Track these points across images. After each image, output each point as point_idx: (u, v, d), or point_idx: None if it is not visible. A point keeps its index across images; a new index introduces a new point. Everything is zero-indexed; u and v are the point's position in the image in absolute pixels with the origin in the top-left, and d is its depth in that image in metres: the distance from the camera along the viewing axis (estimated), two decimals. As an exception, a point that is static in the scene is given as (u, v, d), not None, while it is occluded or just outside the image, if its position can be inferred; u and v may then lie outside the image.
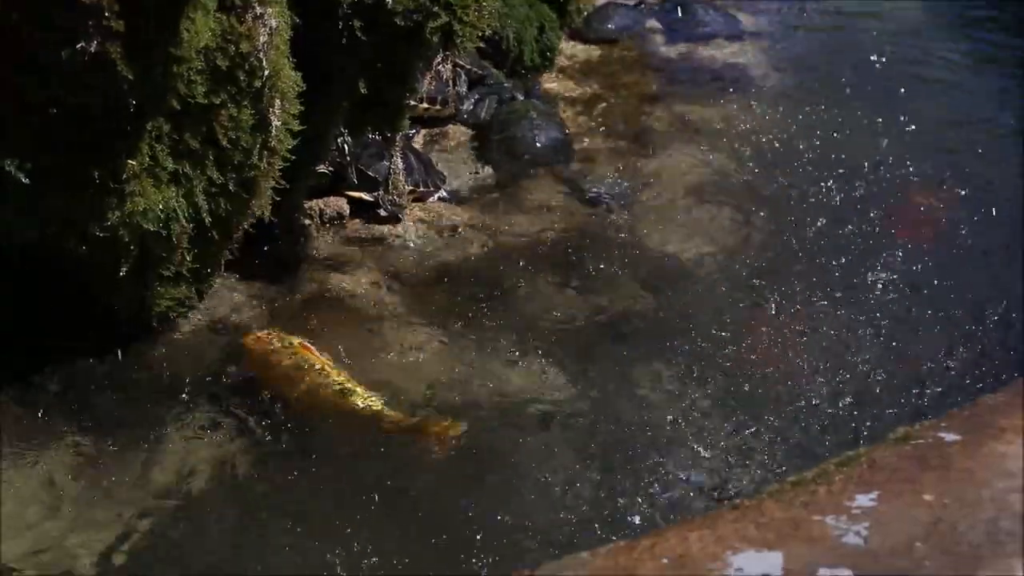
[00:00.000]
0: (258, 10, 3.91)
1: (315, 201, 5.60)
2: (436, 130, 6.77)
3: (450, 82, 6.61)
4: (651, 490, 4.14)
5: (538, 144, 6.68)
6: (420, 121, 6.56)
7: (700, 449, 4.34)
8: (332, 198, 5.69)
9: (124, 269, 4.20)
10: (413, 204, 5.90)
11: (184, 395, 4.43)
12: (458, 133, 6.83)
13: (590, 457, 4.29)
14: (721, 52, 8.56)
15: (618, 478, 4.18)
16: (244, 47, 3.90)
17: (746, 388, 4.67)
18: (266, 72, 4.01)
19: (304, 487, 4.06)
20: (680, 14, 9.09)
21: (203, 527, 3.90)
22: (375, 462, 4.18)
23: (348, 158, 5.62)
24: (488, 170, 6.57)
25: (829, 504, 2.33)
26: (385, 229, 5.76)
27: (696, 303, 5.32)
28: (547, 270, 5.57)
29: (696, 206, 6.27)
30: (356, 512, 3.95)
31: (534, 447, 4.35)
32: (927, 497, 2.32)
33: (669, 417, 4.52)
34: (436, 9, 4.45)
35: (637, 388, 4.72)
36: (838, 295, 5.30)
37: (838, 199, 6.13)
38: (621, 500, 4.08)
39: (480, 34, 4.75)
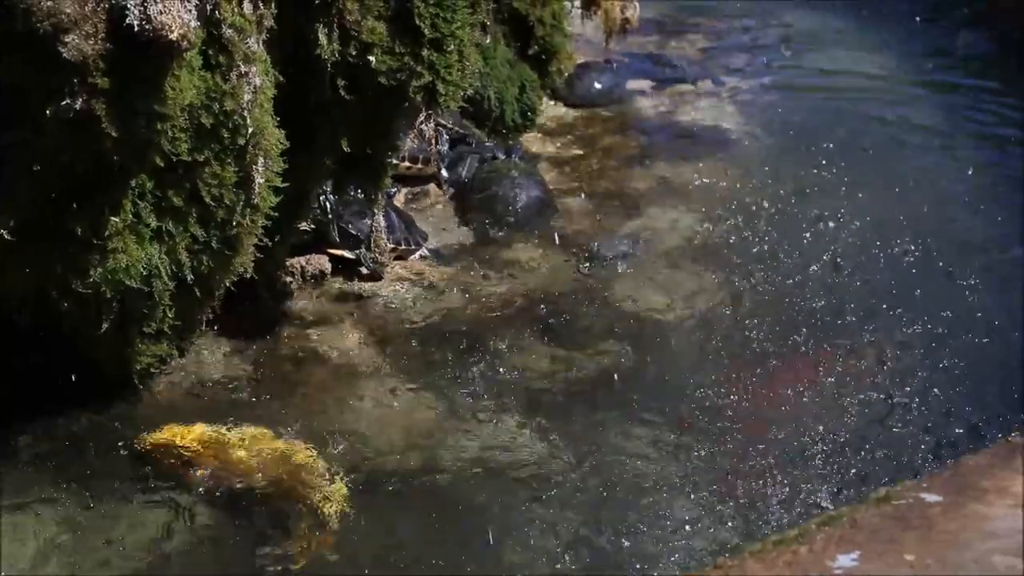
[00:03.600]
0: (242, 68, 3.93)
1: (297, 258, 5.61)
2: (418, 188, 6.80)
3: (432, 141, 6.64)
4: (627, 550, 4.13)
5: (519, 203, 6.70)
6: (402, 180, 6.58)
7: (678, 508, 4.34)
8: (314, 255, 5.70)
9: (105, 325, 4.19)
10: (394, 262, 5.92)
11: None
12: (439, 192, 6.85)
13: (565, 515, 4.29)
14: (700, 112, 8.61)
15: (592, 536, 4.18)
16: (228, 105, 3.92)
17: (726, 446, 4.66)
18: (250, 130, 4.02)
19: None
20: (655, 70, 9.18)
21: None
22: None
23: (330, 216, 5.64)
24: (469, 229, 6.59)
25: (811, 564, 2.33)
26: (366, 286, 5.78)
27: (674, 361, 5.34)
28: (526, 328, 5.58)
29: (675, 266, 6.29)
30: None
31: (509, 504, 4.35)
32: (909, 558, 2.32)
33: (646, 475, 4.53)
34: (419, 68, 4.47)
35: (613, 446, 4.71)
36: (816, 353, 5.31)
37: (814, 259, 6.14)
38: (595, 559, 4.07)
39: (463, 93, 4.76)
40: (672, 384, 5.12)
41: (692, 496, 4.39)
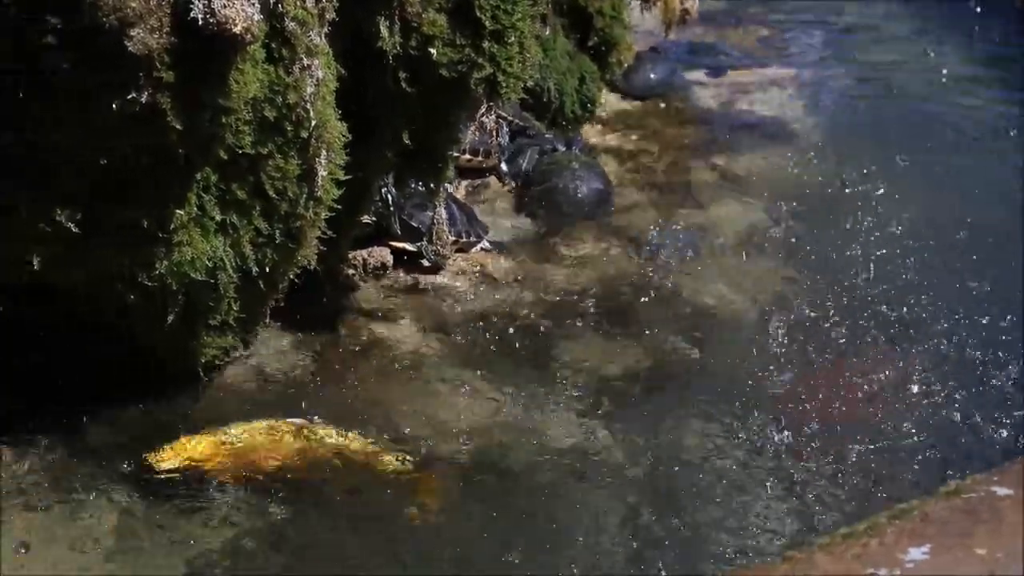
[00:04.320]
0: (305, 61, 3.93)
1: (359, 251, 5.62)
2: (478, 181, 6.81)
3: (493, 133, 6.64)
4: (693, 542, 4.11)
5: (579, 195, 6.70)
6: (462, 172, 6.59)
7: (743, 501, 4.31)
8: (375, 248, 5.71)
9: (171, 318, 4.21)
10: (455, 254, 5.92)
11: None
12: (500, 184, 6.87)
13: (629, 507, 4.26)
14: (759, 103, 8.59)
15: (657, 530, 4.15)
16: (291, 98, 3.93)
17: (790, 439, 4.62)
18: (313, 123, 4.04)
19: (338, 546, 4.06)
20: (713, 61, 9.16)
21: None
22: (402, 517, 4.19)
23: (392, 208, 5.65)
24: (529, 221, 6.61)
25: (882, 557, 2.31)
26: (428, 278, 5.79)
27: (738, 355, 5.29)
28: (588, 321, 5.58)
29: (737, 258, 6.26)
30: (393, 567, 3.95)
31: (573, 497, 4.34)
32: (980, 551, 2.29)
33: (710, 468, 4.50)
34: (480, 60, 4.47)
35: (677, 440, 4.68)
36: (884, 348, 5.26)
37: (878, 254, 6.08)
38: (661, 552, 4.04)
39: (523, 85, 4.76)
40: (735, 377, 5.08)
41: (757, 491, 4.36)
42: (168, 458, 4.20)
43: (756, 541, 4.11)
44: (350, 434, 4.44)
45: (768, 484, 4.40)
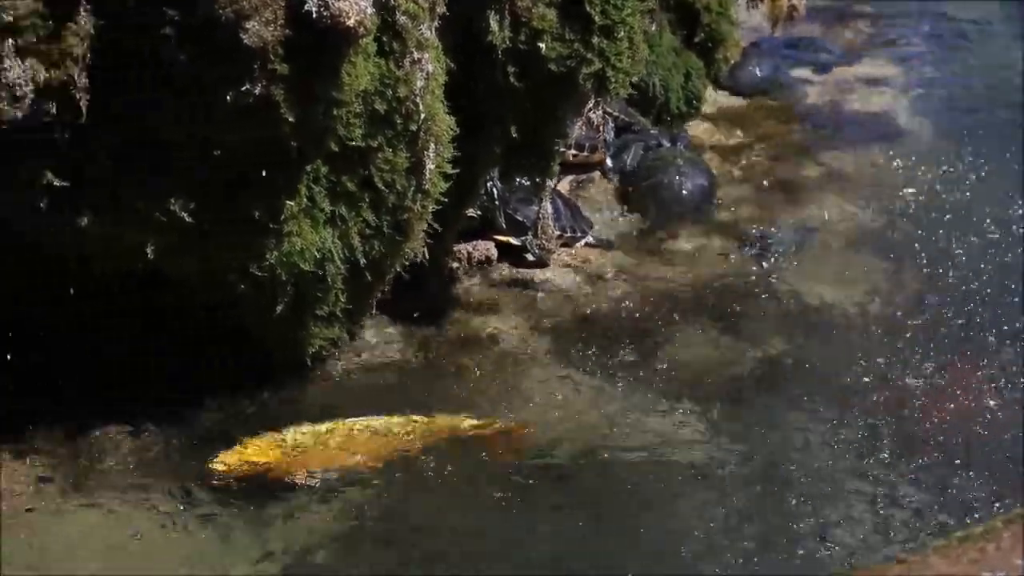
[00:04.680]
0: (415, 55, 3.96)
1: (464, 244, 5.64)
2: (583, 176, 6.79)
3: (600, 129, 6.63)
4: (802, 542, 4.05)
5: (684, 191, 6.67)
6: (567, 167, 6.58)
7: (851, 502, 4.24)
8: (480, 242, 5.74)
9: (280, 308, 4.26)
10: (560, 249, 5.92)
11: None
12: (604, 180, 6.85)
13: (735, 506, 4.22)
14: (865, 100, 8.50)
15: (766, 529, 4.10)
16: (401, 91, 3.95)
17: (900, 439, 4.55)
18: (422, 116, 4.06)
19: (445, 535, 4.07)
20: (820, 58, 9.08)
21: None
22: (512, 509, 4.17)
23: (497, 202, 5.67)
24: (634, 216, 6.58)
25: (999, 561, 2.27)
26: (532, 273, 5.78)
27: (845, 353, 5.21)
28: (693, 317, 5.53)
29: (844, 256, 6.19)
30: (501, 560, 3.94)
31: (674, 494, 4.30)
32: (1101, 557, 2.25)
33: (816, 468, 4.43)
34: (590, 55, 4.47)
35: (782, 440, 4.62)
36: (993, 347, 5.17)
37: (989, 255, 5.98)
38: (769, 552, 3.99)
39: (631, 81, 4.75)
40: (843, 378, 5.01)
41: (865, 492, 4.29)
42: (229, 461, 4.19)
43: (864, 543, 4.04)
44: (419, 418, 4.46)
45: (877, 486, 4.32)
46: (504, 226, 5.74)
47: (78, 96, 3.40)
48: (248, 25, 3.35)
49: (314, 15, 3.41)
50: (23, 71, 3.24)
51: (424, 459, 4.32)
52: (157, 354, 4.53)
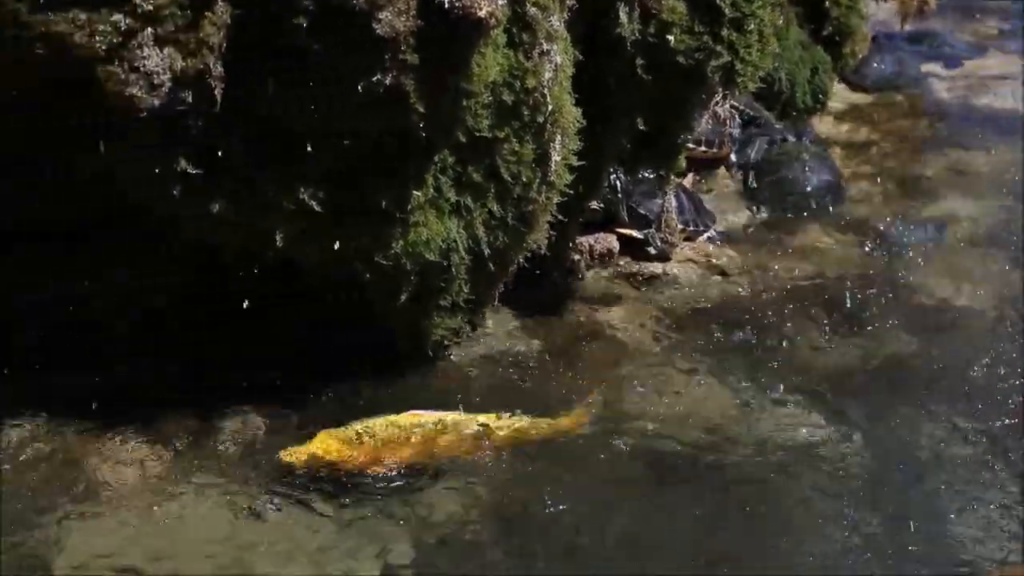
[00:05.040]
0: (544, 46, 3.96)
1: (586, 237, 5.63)
2: (706, 169, 6.75)
3: (726, 122, 6.58)
4: (914, 544, 3.98)
5: (809, 186, 6.63)
6: (695, 163, 6.54)
7: (975, 505, 4.15)
8: (602, 234, 5.72)
9: (404, 297, 4.29)
10: (682, 243, 5.89)
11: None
12: (728, 174, 6.80)
13: (849, 505, 4.15)
14: (995, 96, 8.36)
15: (884, 529, 4.03)
16: (530, 83, 3.96)
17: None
18: (549, 107, 4.06)
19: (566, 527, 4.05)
20: (947, 53, 8.93)
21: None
22: (634, 500, 4.15)
23: (620, 195, 5.65)
24: (757, 211, 6.54)
25: None
26: (653, 267, 5.76)
27: (970, 354, 5.12)
28: (816, 313, 5.48)
29: (971, 254, 6.11)
30: (625, 548, 3.93)
31: (791, 490, 4.25)
32: None
33: (939, 469, 4.36)
34: (718, 48, 4.45)
35: (903, 439, 4.55)
36: None
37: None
38: (879, 550, 3.93)
39: (760, 74, 4.71)
40: (966, 377, 4.92)
41: (990, 495, 4.20)
42: (297, 454, 4.14)
43: (989, 547, 3.96)
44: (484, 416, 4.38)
45: (1004, 488, 4.23)
46: (627, 219, 5.73)
47: (213, 85, 3.45)
48: (381, 15, 3.38)
49: (446, 5, 3.43)
50: (161, 60, 3.30)
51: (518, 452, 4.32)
52: (283, 341, 4.59)
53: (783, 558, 3.87)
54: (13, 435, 4.21)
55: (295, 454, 4.12)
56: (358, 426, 4.21)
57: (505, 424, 4.33)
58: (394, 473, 4.11)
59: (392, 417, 4.25)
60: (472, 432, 4.28)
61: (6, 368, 4.22)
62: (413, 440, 4.21)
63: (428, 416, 4.28)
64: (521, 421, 4.35)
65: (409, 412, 4.28)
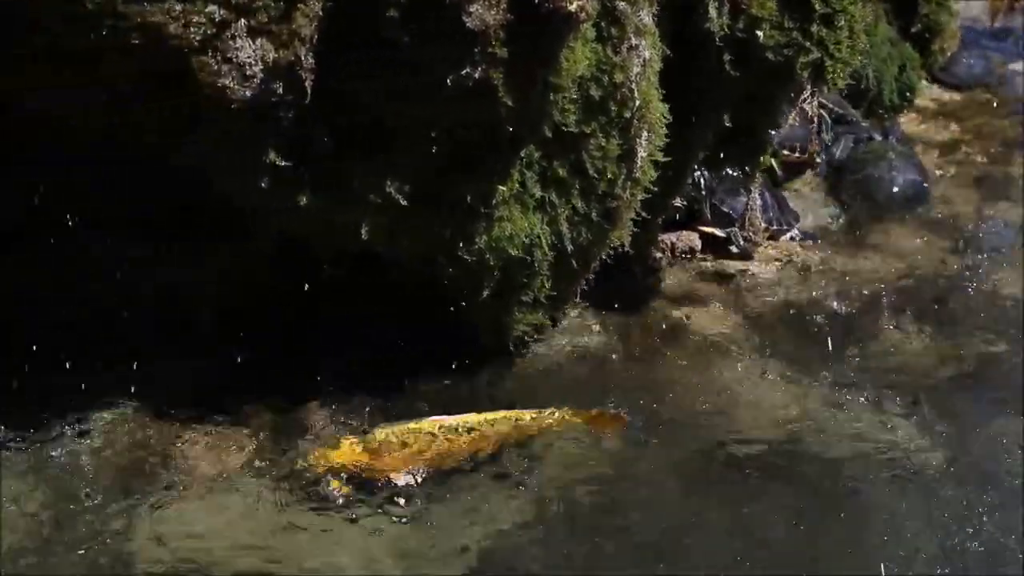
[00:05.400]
0: (633, 41, 3.93)
1: (668, 234, 5.61)
2: (793, 172, 6.70)
3: (815, 121, 6.53)
4: (1000, 554, 3.91)
5: (895, 186, 6.56)
6: (782, 166, 6.49)
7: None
8: (684, 232, 5.71)
9: (486, 292, 4.28)
10: (766, 242, 5.84)
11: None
12: (812, 171, 6.74)
13: (934, 508, 4.09)
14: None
15: (964, 535, 3.97)
16: (618, 77, 3.93)
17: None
18: (637, 103, 4.03)
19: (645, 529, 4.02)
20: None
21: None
22: (715, 501, 4.11)
23: (704, 193, 5.62)
24: (842, 210, 6.49)
25: None
26: (736, 265, 5.74)
27: (1060, 358, 5.05)
28: (901, 315, 5.43)
29: (1061, 257, 6.00)
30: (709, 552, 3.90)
31: (874, 492, 4.20)
32: None
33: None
34: (808, 44, 4.40)
35: (990, 443, 4.48)
36: None
37: None
38: (963, 560, 3.87)
39: (849, 71, 4.65)
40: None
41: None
42: (315, 461, 4.10)
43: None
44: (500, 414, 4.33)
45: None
46: (709, 217, 5.71)
47: (304, 76, 3.46)
48: (472, 8, 3.36)
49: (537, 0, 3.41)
50: (253, 51, 3.31)
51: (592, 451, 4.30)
52: (365, 335, 4.60)
53: (870, 561, 3.81)
54: (106, 416, 4.28)
55: (320, 460, 4.09)
56: (380, 434, 4.16)
57: (537, 420, 4.31)
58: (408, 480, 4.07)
59: (414, 424, 4.20)
60: (501, 430, 4.25)
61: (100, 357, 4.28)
62: (437, 444, 4.17)
63: (451, 421, 4.23)
64: (552, 416, 4.32)
65: (431, 419, 4.24)
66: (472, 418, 4.24)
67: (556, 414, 4.33)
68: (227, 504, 3.93)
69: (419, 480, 4.03)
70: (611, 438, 4.34)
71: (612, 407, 4.48)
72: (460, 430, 4.20)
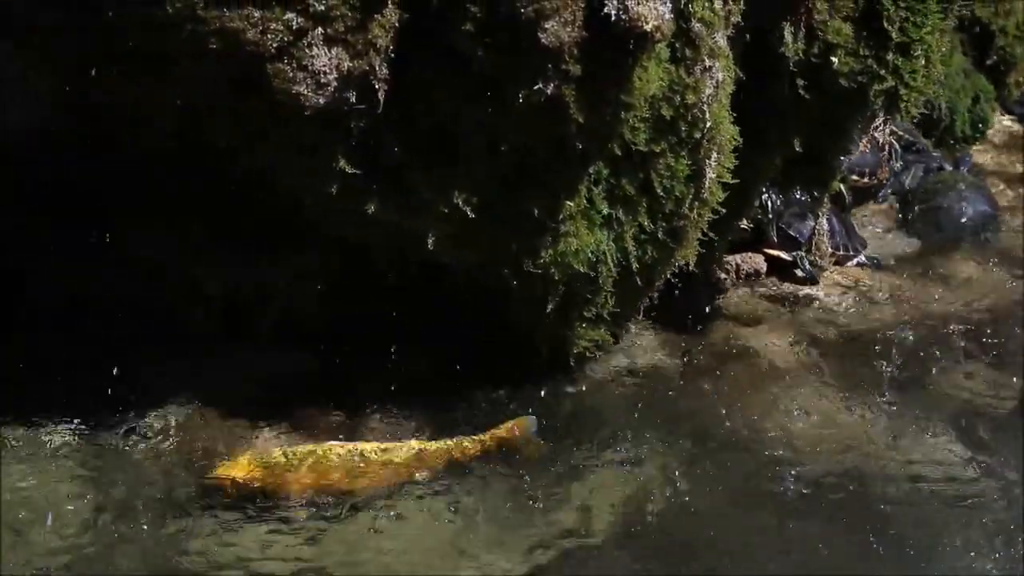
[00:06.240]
0: (707, 63, 3.94)
1: (733, 256, 5.60)
2: (862, 197, 6.66)
3: (886, 148, 6.49)
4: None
5: (964, 217, 6.51)
6: (851, 191, 6.45)
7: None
8: (750, 254, 5.69)
9: (550, 306, 4.29)
10: (831, 267, 5.82)
11: (597, 435, 4.46)
12: (881, 198, 6.70)
13: (1000, 543, 4.04)
14: None
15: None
16: (690, 98, 3.94)
17: None
18: (707, 124, 4.04)
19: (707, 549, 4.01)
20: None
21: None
22: (775, 523, 4.09)
23: (771, 216, 5.60)
24: (910, 239, 6.46)
25: None
26: (801, 290, 5.71)
27: None
28: (965, 344, 5.38)
29: None
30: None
31: (936, 522, 4.15)
32: None
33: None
34: (883, 72, 4.38)
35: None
36: None
37: None
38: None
39: (924, 100, 4.63)
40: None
41: None
42: (218, 476, 4.06)
43: None
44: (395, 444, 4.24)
45: None
46: (776, 240, 5.68)
47: (377, 86, 3.50)
48: (547, 25, 3.38)
49: (613, 18, 3.42)
50: (329, 59, 3.35)
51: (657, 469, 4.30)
52: (425, 345, 4.62)
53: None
54: (167, 416, 4.33)
55: (219, 475, 4.06)
56: (277, 453, 4.11)
57: (435, 447, 4.22)
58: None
59: (313, 446, 4.13)
60: (401, 459, 4.16)
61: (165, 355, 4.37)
62: (337, 469, 4.09)
63: (350, 446, 4.15)
64: (449, 443, 4.23)
65: (331, 442, 4.16)
66: (370, 446, 4.16)
67: (463, 442, 4.24)
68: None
69: (309, 500, 3.99)
70: (527, 455, 4.28)
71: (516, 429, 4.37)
72: (358, 457, 4.12)
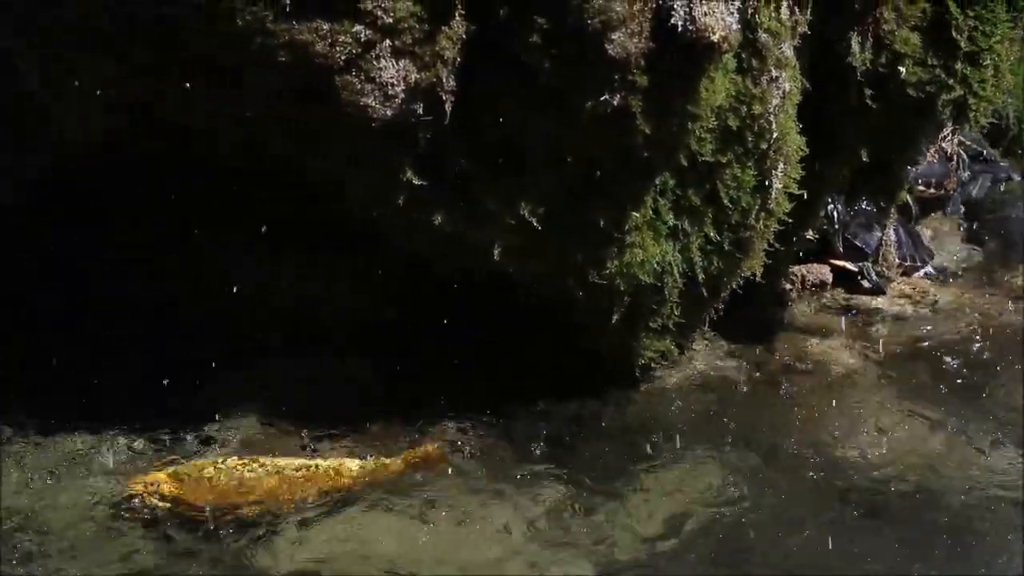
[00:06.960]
0: (773, 73, 3.93)
1: (799, 267, 5.57)
2: (928, 207, 6.61)
3: (953, 158, 6.44)
4: None
5: (1033, 228, 6.44)
6: (917, 201, 6.40)
7: None
8: (815, 265, 5.65)
9: (616, 317, 4.29)
10: (898, 278, 5.77)
11: (665, 444, 4.44)
12: (948, 209, 6.65)
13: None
14: None
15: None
16: (756, 109, 3.93)
17: None
18: (774, 135, 4.03)
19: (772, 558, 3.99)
20: None
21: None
22: (841, 535, 4.04)
23: (837, 226, 5.57)
24: (977, 250, 6.37)
25: None
26: (867, 301, 5.67)
27: None
28: (1031, 358, 5.31)
29: None
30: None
31: (1007, 538, 4.08)
32: None
33: None
34: (951, 82, 4.35)
35: None
36: None
37: None
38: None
39: (993, 110, 4.59)
40: None
41: None
42: (138, 485, 4.03)
43: None
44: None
45: None
46: (841, 251, 5.65)
47: (444, 98, 3.52)
48: (614, 36, 3.40)
49: (679, 29, 3.43)
50: (396, 72, 3.38)
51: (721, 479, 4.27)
52: (489, 357, 4.64)
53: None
54: (232, 424, 4.40)
55: (138, 485, 4.03)
56: (186, 466, 4.11)
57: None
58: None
59: (221, 460, 4.11)
60: (316, 475, 4.11)
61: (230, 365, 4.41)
62: (253, 483, 4.05)
63: (265, 461, 4.10)
64: (351, 463, 4.16)
65: (247, 457, 4.14)
66: (284, 462, 4.11)
67: (371, 463, 4.17)
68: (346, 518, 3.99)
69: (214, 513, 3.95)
70: (436, 475, 4.20)
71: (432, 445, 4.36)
72: (269, 471, 4.08)
